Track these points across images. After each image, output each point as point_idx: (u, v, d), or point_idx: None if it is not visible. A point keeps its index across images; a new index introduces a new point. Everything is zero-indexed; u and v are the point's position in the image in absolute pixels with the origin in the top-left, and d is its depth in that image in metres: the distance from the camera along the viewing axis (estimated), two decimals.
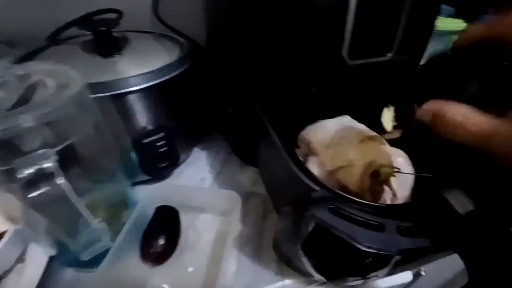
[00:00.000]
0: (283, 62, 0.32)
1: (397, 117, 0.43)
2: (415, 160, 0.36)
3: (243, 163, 0.52)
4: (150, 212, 0.39)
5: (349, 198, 0.23)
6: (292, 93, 0.35)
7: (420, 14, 0.34)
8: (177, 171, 0.51)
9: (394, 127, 0.43)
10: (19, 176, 0.22)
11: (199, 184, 0.50)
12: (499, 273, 0.20)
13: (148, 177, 0.46)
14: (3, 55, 0.41)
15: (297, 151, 0.39)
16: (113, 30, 0.43)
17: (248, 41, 0.33)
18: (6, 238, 0.31)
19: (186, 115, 0.48)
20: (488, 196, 0.22)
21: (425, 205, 0.23)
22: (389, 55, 0.33)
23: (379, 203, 0.24)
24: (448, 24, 0.54)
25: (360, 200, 0.23)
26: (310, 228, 0.22)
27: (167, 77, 0.39)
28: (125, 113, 0.38)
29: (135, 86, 0.36)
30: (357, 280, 0.30)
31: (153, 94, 0.39)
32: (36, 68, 0.29)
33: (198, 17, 0.50)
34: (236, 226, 0.38)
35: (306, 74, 0.34)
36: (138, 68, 0.38)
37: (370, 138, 0.36)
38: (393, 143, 0.40)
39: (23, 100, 0.26)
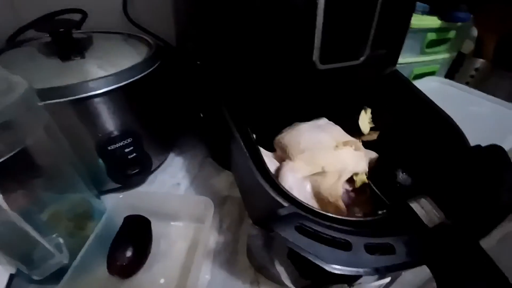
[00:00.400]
0: (251, 65, 0.31)
1: (374, 119, 0.42)
2: (391, 162, 0.35)
3: (219, 166, 0.50)
4: (120, 222, 0.37)
5: (318, 212, 0.22)
6: (262, 96, 0.34)
7: (394, 13, 0.33)
8: (151, 177, 0.49)
9: (371, 129, 0.42)
10: None
11: (174, 189, 0.48)
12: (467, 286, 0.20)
13: (118, 185, 0.44)
14: None
15: (273, 155, 0.38)
16: (75, 31, 0.40)
17: (213, 41, 0.31)
18: None
19: (156, 119, 0.46)
20: (457, 206, 0.22)
21: (395, 218, 0.22)
22: (362, 58, 0.32)
23: (348, 218, 0.22)
24: (423, 21, 0.53)
25: (329, 214, 0.22)
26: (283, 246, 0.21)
27: (131, 79, 0.36)
28: (87, 119, 0.35)
29: (95, 90, 0.33)
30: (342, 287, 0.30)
31: (116, 98, 0.36)
32: None
33: (169, 16, 0.48)
34: (208, 233, 0.37)
35: (276, 77, 0.32)
36: (100, 71, 0.36)
37: (346, 143, 0.36)
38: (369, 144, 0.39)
39: None
